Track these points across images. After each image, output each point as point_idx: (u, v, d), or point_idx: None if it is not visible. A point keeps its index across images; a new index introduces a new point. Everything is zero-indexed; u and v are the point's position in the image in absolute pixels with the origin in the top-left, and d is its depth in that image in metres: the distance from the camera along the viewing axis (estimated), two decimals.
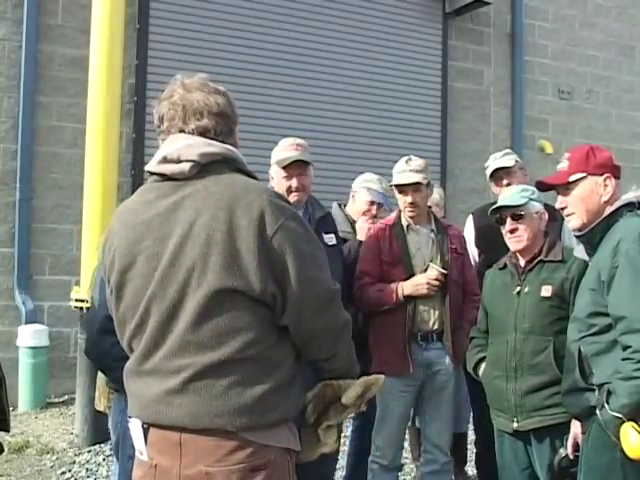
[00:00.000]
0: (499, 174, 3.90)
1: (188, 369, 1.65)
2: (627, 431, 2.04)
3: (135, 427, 1.77)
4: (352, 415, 1.98)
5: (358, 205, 3.98)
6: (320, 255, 1.77)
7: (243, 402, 1.63)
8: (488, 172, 3.96)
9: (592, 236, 2.37)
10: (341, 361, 1.84)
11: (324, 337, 1.77)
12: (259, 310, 1.67)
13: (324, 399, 1.83)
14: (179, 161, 1.72)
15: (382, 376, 1.89)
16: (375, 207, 3.93)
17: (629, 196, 2.38)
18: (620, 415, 2.06)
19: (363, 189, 3.97)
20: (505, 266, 3.09)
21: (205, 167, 1.73)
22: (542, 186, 2.63)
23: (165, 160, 1.75)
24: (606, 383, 2.17)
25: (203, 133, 1.77)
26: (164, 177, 1.77)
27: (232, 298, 1.64)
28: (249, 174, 1.79)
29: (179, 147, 1.74)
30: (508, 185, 3.75)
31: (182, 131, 1.78)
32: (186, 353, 1.66)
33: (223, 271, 1.62)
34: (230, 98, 1.84)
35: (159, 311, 1.69)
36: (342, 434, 1.92)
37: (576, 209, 2.41)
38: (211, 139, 1.77)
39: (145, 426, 1.73)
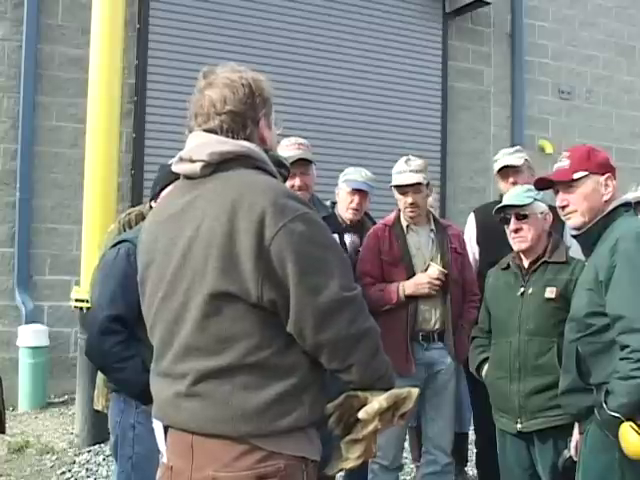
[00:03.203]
0: (507, 171, 3.87)
1: (192, 374, 1.61)
2: (625, 431, 2.03)
3: (158, 428, 1.76)
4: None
5: (342, 200, 3.90)
6: (333, 260, 1.63)
7: (247, 408, 1.58)
8: (496, 167, 3.91)
9: (589, 236, 2.37)
10: (360, 373, 1.66)
11: (332, 348, 1.62)
12: (262, 315, 1.59)
13: (351, 411, 1.70)
14: (192, 161, 1.70)
15: (416, 389, 1.76)
16: (357, 196, 3.82)
17: (628, 196, 2.39)
18: (618, 415, 2.06)
19: (342, 184, 3.92)
20: (508, 266, 3.08)
21: (219, 166, 1.68)
22: (541, 183, 2.61)
23: (181, 160, 1.75)
24: (604, 383, 2.17)
25: (213, 132, 1.72)
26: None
27: (231, 303, 1.58)
28: (267, 170, 1.72)
29: (192, 147, 1.72)
30: (514, 184, 3.71)
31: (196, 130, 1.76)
32: (190, 357, 1.63)
33: (220, 274, 1.57)
34: (247, 89, 1.73)
35: (168, 313, 1.68)
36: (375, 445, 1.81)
37: (578, 207, 2.40)
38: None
39: (165, 427, 1.72)
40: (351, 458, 1.70)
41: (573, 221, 2.43)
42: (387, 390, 1.70)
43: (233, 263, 1.56)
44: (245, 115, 1.73)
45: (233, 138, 1.71)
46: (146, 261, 1.77)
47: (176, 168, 1.77)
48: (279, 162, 1.82)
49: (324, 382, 1.72)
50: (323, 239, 1.65)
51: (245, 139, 1.72)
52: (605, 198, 2.37)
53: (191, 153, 1.70)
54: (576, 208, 2.41)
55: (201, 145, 1.69)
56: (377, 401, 1.67)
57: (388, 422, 1.72)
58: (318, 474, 1.72)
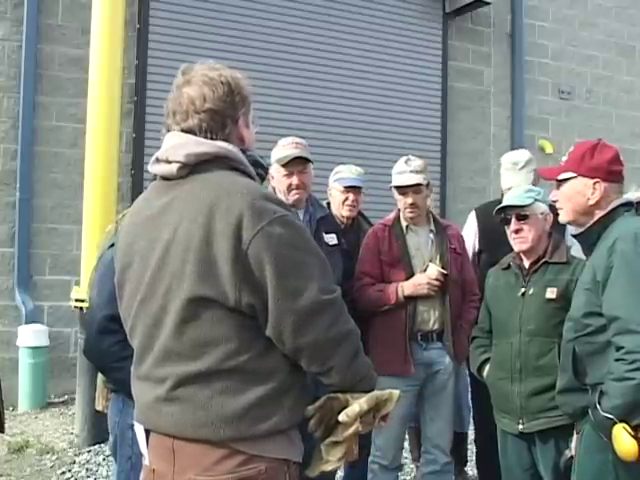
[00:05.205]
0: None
1: (171, 378, 1.61)
2: (618, 432, 2.02)
3: (139, 431, 1.75)
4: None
5: (335, 199, 3.91)
6: (312, 263, 1.61)
7: (227, 413, 1.57)
8: (503, 186, 3.79)
9: (589, 236, 2.37)
10: (340, 375, 1.66)
11: (312, 352, 1.61)
12: (240, 320, 1.57)
13: (331, 413, 1.69)
14: (169, 162, 1.67)
15: (397, 391, 1.74)
16: (352, 193, 3.83)
17: (629, 196, 2.38)
18: (612, 416, 2.05)
19: (335, 183, 3.92)
20: (509, 266, 3.08)
21: (196, 167, 1.64)
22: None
23: (157, 161, 1.72)
24: (599, 383, 2.16)
25: (191, 132, 1.69)
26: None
27: (208, 307, 1.56)
28: (245, 172, 1.69)
29: (168, 147, 1.69)
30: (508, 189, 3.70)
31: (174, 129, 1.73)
32: (170, 362, 1.61)
33: (198, 279, 1.55)
34: (227, 87, 1.70)
35: (147, 316, 1.66)
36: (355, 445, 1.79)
37: (564, 206, 2.44)
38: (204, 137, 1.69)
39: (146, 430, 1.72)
40: (331, 460, 1.69)
41: (560, 217, 2.48)
42: (368, 392, 1.70)
43: (210, 267, 1.54)
44: (224, 114, 1.70)
45: (212, 138, 1.68)
46: (124, 263, 1.74)
47: (153, 169, 1.73)
48: (257, 162, 1.79)
49: (304, 385, 1.70)
50: (301, 242, 1.62)
51: (224, 139, 1.70)
52: (591, 202, 2.36)
53: (167, 154, 1.67)
54: (562, 206, 2.44)
55: (178, 146, 1.66)
56: (358, 403, 1.66)
57: (369, 424, 1.71)
58: (300, 476, 1.71)
